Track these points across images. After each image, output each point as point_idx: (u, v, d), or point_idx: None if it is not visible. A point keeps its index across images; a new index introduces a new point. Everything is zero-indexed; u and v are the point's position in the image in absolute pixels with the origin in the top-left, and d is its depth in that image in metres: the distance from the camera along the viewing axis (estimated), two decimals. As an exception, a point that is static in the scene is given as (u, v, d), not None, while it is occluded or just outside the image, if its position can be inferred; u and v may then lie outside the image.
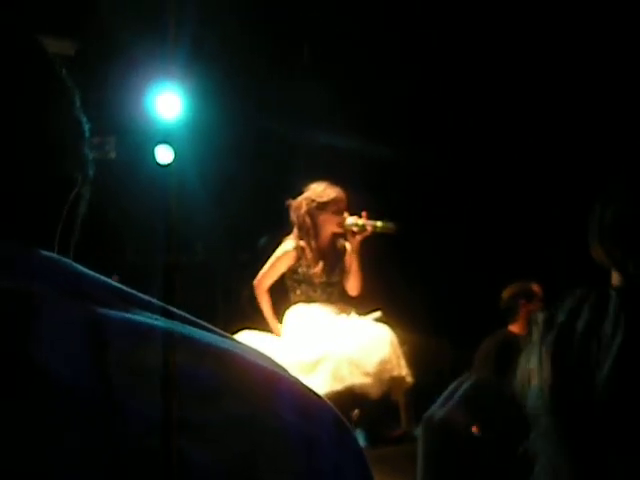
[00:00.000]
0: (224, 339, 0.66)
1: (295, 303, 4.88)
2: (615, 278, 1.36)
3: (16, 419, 0.55)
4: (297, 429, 0.62)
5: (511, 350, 4.85)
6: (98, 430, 0.56)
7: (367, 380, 4.59)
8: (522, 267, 5.15)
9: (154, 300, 0.66)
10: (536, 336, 0.99)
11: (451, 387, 0.92)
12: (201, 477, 0.57)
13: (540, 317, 0.98)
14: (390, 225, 4.78)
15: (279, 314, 4.93)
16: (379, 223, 4.77)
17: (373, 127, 6.03)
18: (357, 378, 4.57)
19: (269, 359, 0.66)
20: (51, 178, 0.72)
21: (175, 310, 0.65)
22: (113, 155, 6.38)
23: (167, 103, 6.17)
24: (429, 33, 5.91)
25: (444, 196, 6.16)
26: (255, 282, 4.89)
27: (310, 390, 0.66)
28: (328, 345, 4.62)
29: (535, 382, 0.97)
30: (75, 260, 0.69)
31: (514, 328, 4.91)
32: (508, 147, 6.00)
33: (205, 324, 0.66)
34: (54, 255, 0.67)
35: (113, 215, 6.01)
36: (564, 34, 5.53)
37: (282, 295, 5.00)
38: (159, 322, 0.63)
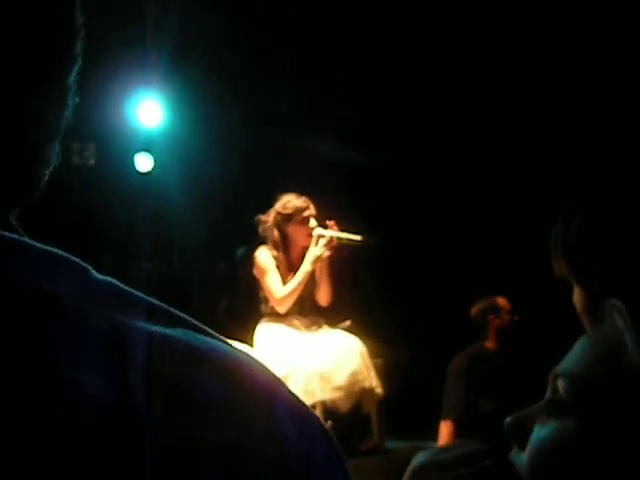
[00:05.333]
0: (231, 349, 0.65)
1: (266, 315, 4.86)
2: (577, 294, 1.34)
3: (39, 426, 0.54)
4: (296, 445, 0.63)
5: (482, 364, 4.88)
6: (119, 444, 0.55)
7: (338, 394, 4.60)
8: (497, 280, 5.16)
9: (170, 309, 0.64)
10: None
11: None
12: None
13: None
14: (356, 238, 4.77)
15: (250, 326, 4.91)
16: (344, 235, 4.77)
17: (355, 134, 6.05)
18: (328, 393, 4.58)
19: (265, 368, 0.66)
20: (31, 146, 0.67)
21: (183, 316, 0.65)
22: (92, 162, 6.37)
23: (148, 111, 6.19)
24: (415, 38, 5.93)
25: (422, 207, 6.19)
26: (277, 303, 4.77)
27: (300, 401, 0.67)
28: (298, 360, 4.61)
29: None
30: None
31: (486, 343, 4.92)
32: (486, 162, 6.04)
33: (211, 332, 0.66)
34: (66, 255, 0.64)
35: (91, 221, 5.99)
36: (545, 51, 5.58)
37: (253, 307, 5.00)
38: (176, 332, 0.62)
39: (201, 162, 6.06)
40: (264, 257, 4.82)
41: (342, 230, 4.79)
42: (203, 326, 0.65)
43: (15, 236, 0.62)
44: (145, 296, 0.64)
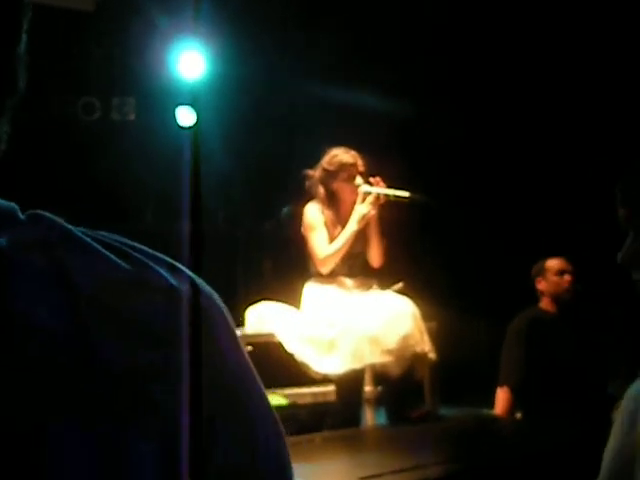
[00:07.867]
0: (175, 274, 0.69)
1: (315, 274, 4.74)
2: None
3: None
4: (233, 368, 0.69)
5: (541, 327, 4.74)
6: (76, 371, 0.60)
7: (388, 358, 4.45)
8: (553, 240, 5.06)
9: (116, 238, 0.69)
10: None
11: None
12: (167, 417, 0.62)
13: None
14: (403, 194, 4.65)
15: (297, 286, 4.79)
16: (391, 192, 4.64)
17: (403, 88, 5.85)
18: (377, 357, 4.44)
19: (208, 297, 0.70)
20: None
21: (133, 245, 0.69)
22: (132, 117, 6.23)
23: (190, 62, 5.99)
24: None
25: (478, 167, 6.01)
26: (320, 262, 4.64)
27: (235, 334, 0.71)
28: (347, 321, 4.49)
29: None
30: (91, 225, 0.70)
31: (542, 305, 4.80)
32: (538, 118, 5.83)
33: (161, 256, 0.70)
34: (7, 206, 0.67)
35: (131, 179, 5.89)
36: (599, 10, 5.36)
37: (299, 266, 4.86)
38: (121, 263, 0.66)
39: (244, 116, 5.92)
40: (313, 213, 4.71)
41: (389, 187, 4.64)
42: (161, 256, 0.70)
43: None
44: (88, 232, 0.68)
